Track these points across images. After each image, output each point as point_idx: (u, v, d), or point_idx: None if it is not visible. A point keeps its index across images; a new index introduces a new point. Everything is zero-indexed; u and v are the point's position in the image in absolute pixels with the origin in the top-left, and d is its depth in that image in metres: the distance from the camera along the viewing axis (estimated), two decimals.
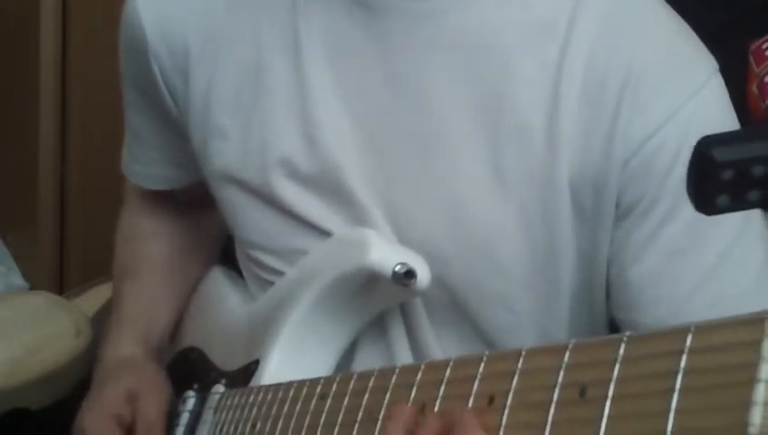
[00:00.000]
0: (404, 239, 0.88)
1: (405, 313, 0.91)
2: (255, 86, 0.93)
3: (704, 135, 0.81)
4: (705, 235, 0.83)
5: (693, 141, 0.80)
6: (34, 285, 2.19)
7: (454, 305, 0.89)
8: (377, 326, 0.92)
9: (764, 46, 1.40)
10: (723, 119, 0.86)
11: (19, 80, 2.29)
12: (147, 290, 1.14)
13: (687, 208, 0.81)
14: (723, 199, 0.43)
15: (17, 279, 2.20)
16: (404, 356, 0.91)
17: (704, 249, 0.83)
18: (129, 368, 1.06)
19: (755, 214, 0.84)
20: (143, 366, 1.07)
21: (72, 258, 2.30)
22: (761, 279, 0.84)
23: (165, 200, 1.17)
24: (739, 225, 0.83)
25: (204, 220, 1.17)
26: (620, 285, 0.86)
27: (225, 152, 0.95)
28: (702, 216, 0.81)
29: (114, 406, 1.01)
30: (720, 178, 0.42)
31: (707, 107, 0.84)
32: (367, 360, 0.92)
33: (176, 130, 1.02)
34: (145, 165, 1.12)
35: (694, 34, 0.87)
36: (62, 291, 2.11)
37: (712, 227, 0.82)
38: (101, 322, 1.50)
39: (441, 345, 0.90)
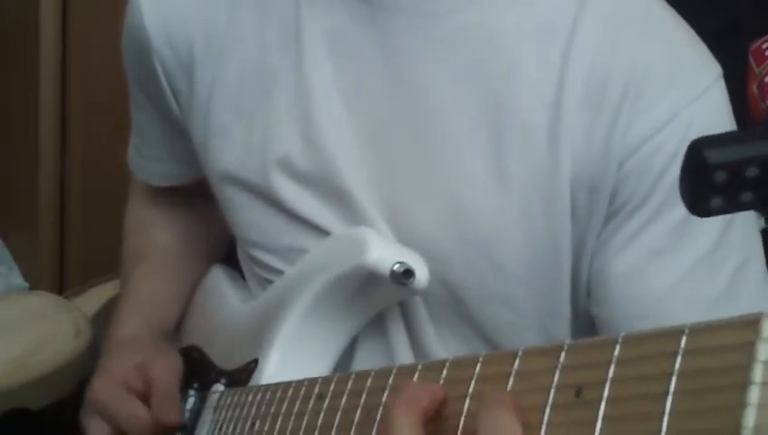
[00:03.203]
0: (404, 238, 0.88)
1: (405, 311, 0.91)
2: (258, 85, 0.93)
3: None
4: (686, 238, 0.84)
5: None
6: (34, 285, 2.20)
7: (454, 304, 0.89)
8: (376, 325, 0.92)
9: (764, 46, 1.40)
10: (722, 125, 0.86)
11: (19, 80, 2.29)
12: (150, 274, 1.14)
13: (673, 211, 0.83)
14: (716, 201, 0.43)
15: (17, 279, 2.20)
16: (404, 355, 0.91)
17: (682, 252, 0.84)
18: (135, 345, 1.05)
19: (739, 222, 0.85)
20: (150, 342, 1.06)
21: (72, 258, 2.30)
22: (731, 288, 0.84)
23: (171, 194, 1.17)
24: (720, 232, 0.84)
25: (211, 214, 1.17)
26: (599, 281, 0.87)
27: (227, 151, 0.95)
28: (686, 219, 0.82)
29: (123, 374, 1.00)
30: (713, 180, 0.42)
31: (708, 112, 0.84)
32: (367, 359, 0.92)
33: (179, 129, 1.02)
34: (150, 162, 1.13)
35: (698, 39, 0.87)
36: (62, 291, 2.11)
37: (693, 231, 0.83)
38: (101, 322, 1.50)
39: (442, 344, 0.90)
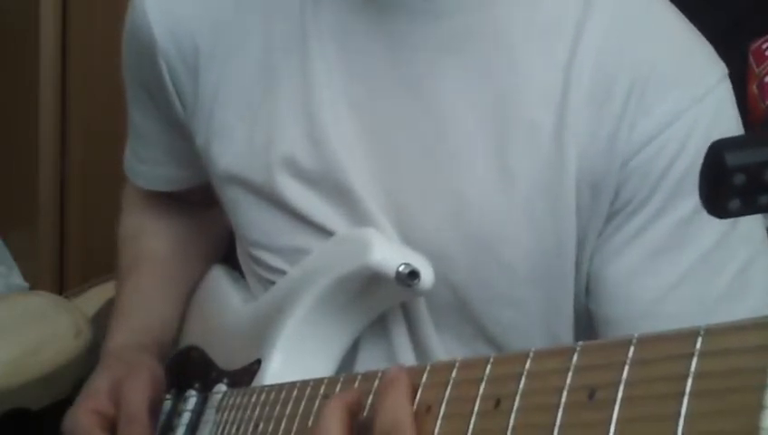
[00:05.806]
0: (408, 238, 0.88)
1: (407, 312, 0.91)
2: (263, 86, 0.93)
3: (705, 140, 0.82)
4: (688, 238, 0.84)
5: (693, 146, 0.83)
6: (34, 285, 2.20)
7: (458, 304, 0.89)
8: (379, 326, 0.92)
9: (764, 46, 1.41)
10: (727, 125, 0.86)
11: (19, 80, 2.29)
12: (146, 283, 1.13)
13: (675, 210, 0.83)
14: (734, 203, 0.43)
15: (17, 279, 2.20)
16: (406, 356, 0.91)
17: (683, 252, 0.84)
18: (116, 357, 1.05)
19: (743, 220, 0.85)
20: (131, 354, 1.05)
21: (71, 258, 2.30)
22: (734, 287, 0.84)
23: (166, 200, 1.17)
24: (722, 231, 0.84)
25: (206, 218, 1.16)
26: (599, 279, 0.87)
27: (230, 151, 0.94)
28: (687, 219, 0.83)
29: (94, 400, 1.00)
30: (732, 183, 0.42)
31: (712, 112, 0.84)
32: (369, 360, 0.92)
33: (181, 130, 1.02)
34: (149, 165, 1.12)
35: (703, 39, 0.88)
36: (62, 291, 2.11)
37: (695, 230, 0.83)
38: (101, 322, 1.50)
39: (444, 345, 0.90)
